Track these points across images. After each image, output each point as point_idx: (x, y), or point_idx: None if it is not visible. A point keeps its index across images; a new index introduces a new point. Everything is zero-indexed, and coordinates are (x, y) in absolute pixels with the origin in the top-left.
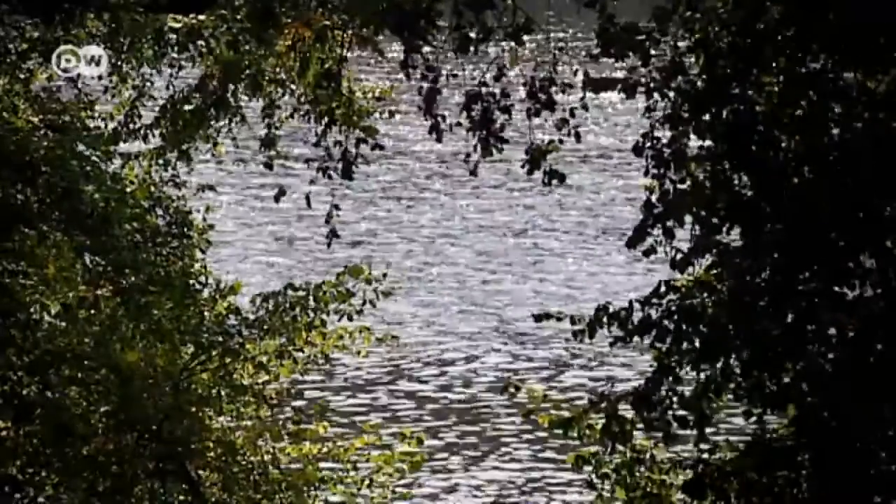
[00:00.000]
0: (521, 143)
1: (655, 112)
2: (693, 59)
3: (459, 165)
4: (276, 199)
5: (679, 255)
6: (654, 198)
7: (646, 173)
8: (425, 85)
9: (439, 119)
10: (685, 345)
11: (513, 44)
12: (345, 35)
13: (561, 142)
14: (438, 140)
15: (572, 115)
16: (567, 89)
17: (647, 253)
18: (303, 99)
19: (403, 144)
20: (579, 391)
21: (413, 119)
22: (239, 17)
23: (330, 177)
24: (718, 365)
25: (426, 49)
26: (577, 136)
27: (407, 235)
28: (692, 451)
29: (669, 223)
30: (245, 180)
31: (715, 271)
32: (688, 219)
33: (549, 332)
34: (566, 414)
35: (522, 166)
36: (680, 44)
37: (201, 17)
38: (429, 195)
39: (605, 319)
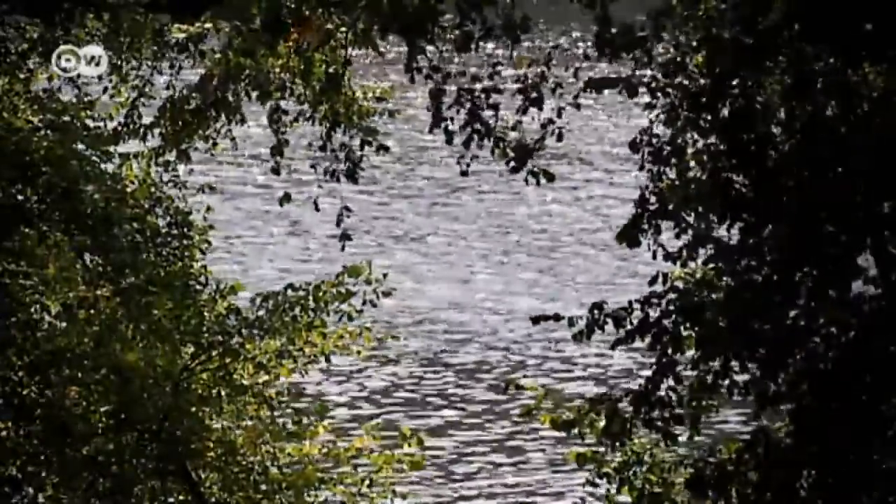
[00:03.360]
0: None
1: (654, 109)
2: (694, 57)
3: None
4: (281, 203)
5: (663, 250)
6: (647, 193)
7: (641, 168)
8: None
9: (447, 119)
10: (684, 345)
11: (511, 42)
12: (347, 36)
13: (543, 139)
14: (448, 141)
15: (559, 115)
16: (558, 88)
17: (631, 244)
18: (304, 101)
19: (407, 143)
20: (580, 390)
21: (422, 119)
22: (253, 26)
23: (338, 179)
24: (717, 364)
25: (430, 50)
26: (560, 136)
27: (410, 235)
28: (693, 449)
29: (660, 220)
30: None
31: (713, 268)
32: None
33: (552, 333)
34: (567, 413)
35: (507, 163)
36: (681, 39)
37: (207, 24)
38: (431, 194)
39: (602, 320)
